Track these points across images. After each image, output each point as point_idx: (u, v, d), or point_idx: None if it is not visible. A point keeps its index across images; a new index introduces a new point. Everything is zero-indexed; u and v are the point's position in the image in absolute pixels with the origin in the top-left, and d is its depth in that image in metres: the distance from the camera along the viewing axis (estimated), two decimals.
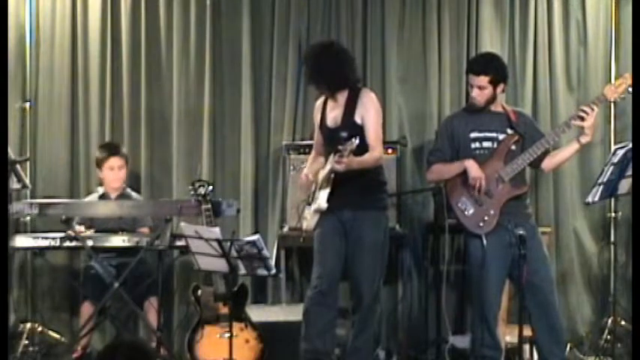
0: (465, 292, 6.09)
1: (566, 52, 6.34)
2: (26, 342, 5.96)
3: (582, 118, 4.85)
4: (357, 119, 4.96)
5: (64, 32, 6.33)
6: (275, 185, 6.25)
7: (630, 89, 4.96)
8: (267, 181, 6.30)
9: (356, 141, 4.71)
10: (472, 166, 4.92)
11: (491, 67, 4.98)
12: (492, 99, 4.97)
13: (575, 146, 4.99)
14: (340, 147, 4.72)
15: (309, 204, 5.07)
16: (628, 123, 6.04)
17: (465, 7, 6.30)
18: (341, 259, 5.02)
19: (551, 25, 6.31)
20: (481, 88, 4.94)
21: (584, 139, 4.93)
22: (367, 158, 4.90)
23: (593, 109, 4.87)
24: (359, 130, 4.92)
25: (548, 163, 5.05)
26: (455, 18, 6.31)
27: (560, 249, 6.27)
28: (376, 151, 4.93)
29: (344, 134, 4.93)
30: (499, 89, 4.97)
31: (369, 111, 4.96)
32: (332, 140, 5.00)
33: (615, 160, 5.33)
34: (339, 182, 4.92)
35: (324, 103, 5.12)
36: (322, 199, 4.96)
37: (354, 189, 4.95)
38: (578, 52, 6.35)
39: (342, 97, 5.02)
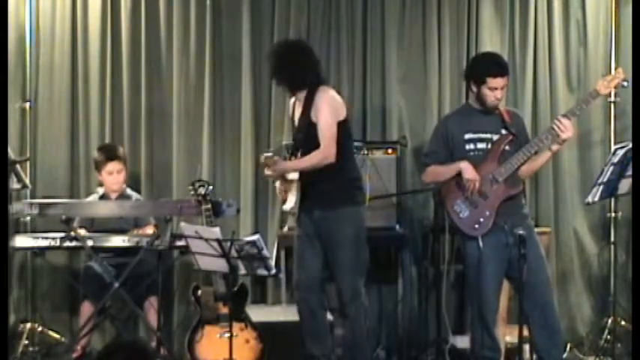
0: (464, 292, 6.08)
1: (566, 52, 6.34)
2: (26, 342, 5.96)
3: (562, 130, 4.82)
4: (313, 118, 4.96)
5: (64, 32, 6.33)
6: (275, 185, 6.25)
7: (625, 83, 4.95)
8: (267, 181, 6.29)
9: (265, 154, 5.04)
10: (466, 168, 4.90)
11: (507, 65, 5.01)
12: None
13: (547, 154, 4.95)
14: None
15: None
16: (628, 123, 6.05)
17: (465, 7, 6.31)
18: (315, 259, 5.05)
19: (551, 25, 6.31)
20: (503, 88, 4.93)
21: (555, 147, 4.89)
22: (309, 158, 4.93)
23: (570, 119, 4.83)
24: (313, 129, 4.93)
25: (525, 169, 4.98)
26: (455, 18, 6.31)
27: (560, 249, 6.28)
28: (322, 150, 4.90)
29: (300, 135, 5.02)
30: None
31: (320, 109, 4.94)
32: (295, 142, 5.10)
33: (615, 160, 5.32)
34: (308, 183, 4.97)
35: (295, 102, 5.16)
36: (288, 201, 5.08)
37: (321, 189, 4.97)
38: (578, 52, 6.36)
39: (303, 96, 5.04)
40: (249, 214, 6.23)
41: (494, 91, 4.89)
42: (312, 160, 4.92)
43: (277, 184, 5.15)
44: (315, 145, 4.91)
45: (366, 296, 5.11)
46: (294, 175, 5.05)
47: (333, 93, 5.06)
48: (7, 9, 5.43)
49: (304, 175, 5.01)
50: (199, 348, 5.35)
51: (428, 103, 6.30)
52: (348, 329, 5.11)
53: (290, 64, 4.99)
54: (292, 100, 5.19)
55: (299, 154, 5.04)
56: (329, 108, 4.95)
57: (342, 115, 5.00)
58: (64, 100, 6.34)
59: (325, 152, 4.89)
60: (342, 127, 4.98)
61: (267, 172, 5.06)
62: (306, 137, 4.97)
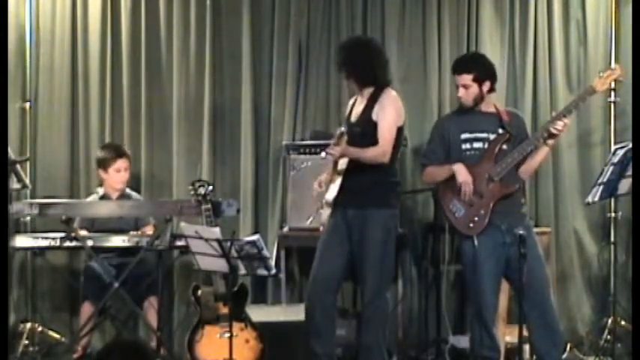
0: (464, 292, 6.08)
1: (566, 52, 6.34)
2: (26, 342, 5.96)
3: (557, 129, 4.83)
4: (374, 116, 5.01)
5: (64, 32, 6.33)
6: (275, 185, 6.25)
7: (621, 79, 4.95)
8: (267, 181, 6.30)
9: (342, 128, 5.00)
10: (459, 170, 4.92)
11: (472, 65, 5.01)
12: (480, 98, 4.97)
13: (545, 150, 4.96)
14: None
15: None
16: (628, 123, 6.04)
17: (465, 7, 6.31)
18: (339, 258, 5.05)
19: (551, 25, 6.31)
20: (466, 87, 4.95)
21: (551, 142, 4.91)
22: (366, 150, 4.97)
23: (566, 117, 4.85)
24: (373, 127, 4.97)
25: (525, 169, 5.00)
26: (455, 18, 6.31)
27: (560, 249, 6.27)
28: (381, 147, 4.96)
29: (358, 129, 5.02)
30: (485, 87, 4.96)
31: (384, 108, 5.00)
32: (350, 135, 5.10)
33: (615, 160, 5.33)
34: (348, 180, 4.97)
35: (355, 100, 5.19)
36: (331, 191, 5.04)
37: (360, 187, 5.00)
38: (578, 52, 6.36)
39: (368, 94, 5.07)
40: (249, 214, 6.23)
41: (460, 88, 4.96)
42: (368, 153, 4.96)
43: (323, 175, 5.12)
44: (371, 143, 4.96)
45: (389, 304, 5.14)
46: (342, 165, 5.05)
47: (397, 96, 5.11)
48: (7, 9, 5.43)
49: (349, 169, 5.01)
50: (199, 348, 5.34)
51: (428, 103, 6.30)
52: (360, 330, 5.13)
53: (366, 59, 5.06)
54: (352, 99, 5.23)
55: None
56: (394, 111, 5.02)
57: (401, 120, 5.08)
58: (64, 100, 6.34)
59: (382, 151, 4.95)
60: (399, 132, 5.05)
61: (332, 150, 5.01)
62: (362, 133, 5.01)
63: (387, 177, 5.07)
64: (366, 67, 5.06)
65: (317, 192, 5.12)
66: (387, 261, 5.05)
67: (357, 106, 5.15)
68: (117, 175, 5.90)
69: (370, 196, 5.00)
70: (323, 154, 5.03)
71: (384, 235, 5.02)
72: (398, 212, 5.22)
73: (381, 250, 5.00)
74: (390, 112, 5.00)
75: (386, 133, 4.97)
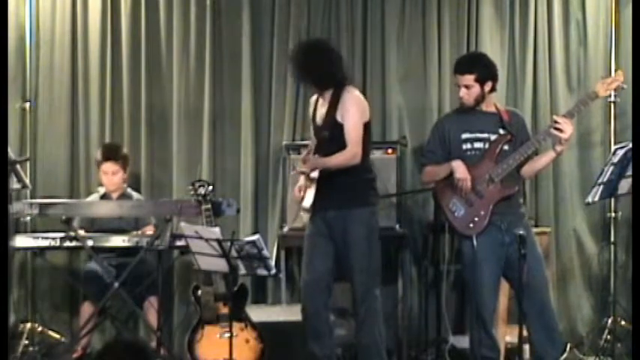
0: (465, 292, 6.08)
1: (566, 52, 6.34)
2: (26, 342, 5.97)
3: (560, 129, 4.82)
4: (338, 118, 4.98)
5: (64, 32, 6.33)
6: (275, 185, 6.26)
7: (624, 86, 4.96)
8: (267, 181, 6.30)
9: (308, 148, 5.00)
10: (458, 167, 4.91)
11: (475, 65, 4.99)
12: (481, 98, 4.96)
13: (551, 154, 4.95)
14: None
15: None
16: (628, 123, 6.05)
17: (465, 7, 6.31)
18: (327, 260, 5.05)
19: (551, 25, 6.32)
20: (468, 87, 4.94)
21: (559, 148, 4.89)
22: (337, 156, 4.94)
23: (568, 119, 4.83)
24: (340, 130, 4.95)
25: (527, 169, 5.00)
26: (455, 18, 6.31)
27: (560, 249, 6.27)
28: (350, 150, 4.93)
29: (325, 133, 5.01)
30: (487, 87, 4.95)
31: (348, 109, 4.96)
32: (318, 138, 5.09)
33: (615, 160, 5.32)
34: (324, 183, 4.96)
35: (317, 100, 5.16)
36: (307, 198, 5.03)
37: (337, 188, 4.98)
38: (578, 52, 6.36)
39: (329, 95, 5.04)
40: (249, 214, 6.24)
41: (462, 88, 4.94)
42: (339, 158, 4.94)
43: (301, 180, 5.13)
44: (340, 145, 4.93)
45: (380, 300, 5.11)
46: (315, 174, 5.03)
47: (359, 94, 5.09)
48: (7, 9, 5.43)
49: (323, 173, 5.00)
50: (199, 348, 5.35)
51: (428, 103, 6.30)
52: (357, 330, 5.11)
53: (318, 62, 4.99)
54: (314, 97, 5.19)
55: (316, 154, 5.06)
56: (357, 111, 4.98)
57: (366, 116, 5.04)
58: (64, 100, 6.34)
59: (352, 153, 4.93)
60: (366, 128, 5.02)
61: (303, 167, 5.02)
62: (330, 137, 4.98)
63: (361, 175, 5.03)
64: (321, 70, 4.99)
65: (298, 198, 5.12)
66: (372, 259, 5.03)
67: (320, 107, 5.11)
68: (104, 177, 5.90)
69: (348, 196, 4.98)
70: (292, 172, 5.04)
71: (367, 234, 5.00)
72: (377, 209, 5.14)
73: (365, 249, 4.99)
74: (353, 113, 4.96)
75: (352, 135, 4.93)
